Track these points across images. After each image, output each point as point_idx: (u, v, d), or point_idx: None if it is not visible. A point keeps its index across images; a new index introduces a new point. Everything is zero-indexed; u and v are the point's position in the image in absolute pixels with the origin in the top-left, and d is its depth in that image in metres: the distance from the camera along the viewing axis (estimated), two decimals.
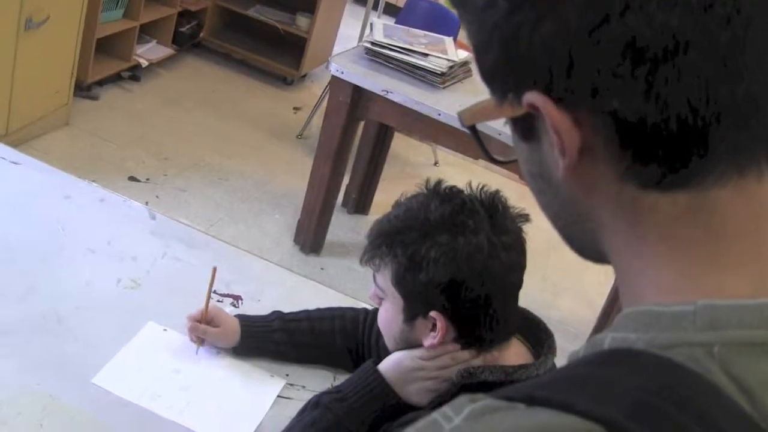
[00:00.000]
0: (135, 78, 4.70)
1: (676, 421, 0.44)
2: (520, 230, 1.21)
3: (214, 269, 1.51)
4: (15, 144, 2.00)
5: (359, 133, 3.72)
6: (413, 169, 4.75)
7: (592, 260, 0.62)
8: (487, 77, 0.56)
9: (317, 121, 4.22)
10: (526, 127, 0.56)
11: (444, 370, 1.21)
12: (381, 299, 1.27)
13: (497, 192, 1.21)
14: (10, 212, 1.74)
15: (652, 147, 0.50)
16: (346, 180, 3.76)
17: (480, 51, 0.55)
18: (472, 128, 0.62)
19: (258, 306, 1.65)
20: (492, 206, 1.19)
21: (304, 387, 1.51)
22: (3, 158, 1.91)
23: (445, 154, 4.94)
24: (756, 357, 0.48)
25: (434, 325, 1.18)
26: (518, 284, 1.20)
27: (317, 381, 1.52)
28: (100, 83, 4.44)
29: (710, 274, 0.51)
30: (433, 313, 1.17)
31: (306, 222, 3.56)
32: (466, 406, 0.49)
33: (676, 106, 0.48)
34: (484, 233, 1.14)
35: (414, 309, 1.20)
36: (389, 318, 1.25)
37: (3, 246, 1.63)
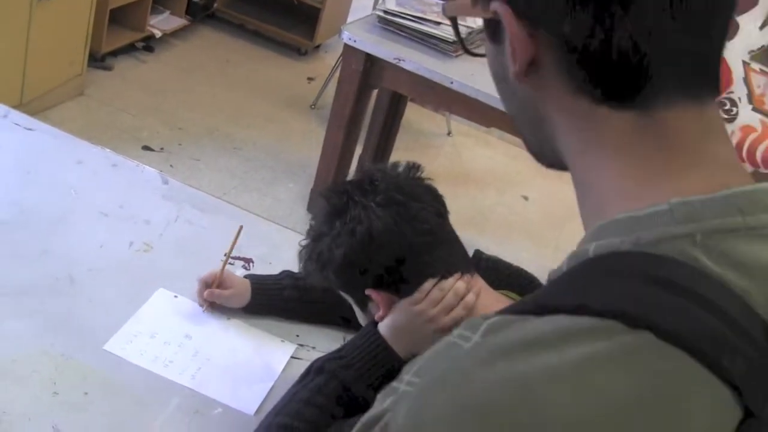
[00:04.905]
0: (149, 48, 4.70)
1: (677, 305, 0.50)
2: (396, 181, 1.22)
3: (240, 228, 1.54)
4: (30, 114, 2.01)
5: (372, 103, 3.72)
6: (426, 138, 4.74)
7: (547, 165, 0.67)
8: None
9: (331, 91, 4.21)
10: (493, 29, 0.62)
11: (443, 308, 1.20)
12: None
13: (373, 164, 1.26)
14: (24, 177, 1.76)
15: (598, 72, 0.56)
16: (359, 150, 3.77)
17: None
18: (453, 20, 0.70)
19: (269, 269, 1.66)
20: (363, 179, 1.23)
21: (314, 347, 1.52)
22: (17, 125, 1.92)
23: (458, 124, 4.93)
24: (734, 240, 0.53)
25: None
26: (426, 226, 1.19)
27: (327, 341, 1.53)
28: (114, 54, 4.44)
29: (667, 181, 0.56)
30: (367, 292, 1.23)
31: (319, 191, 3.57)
32: (480, 323, 0.53)
33: (619, 40, 0.54)
34: (357, 205, 1.19)
35: (358, 299, 1.27)
36: (360, 317, 1.32)
37: (17, 209, 1.65)
